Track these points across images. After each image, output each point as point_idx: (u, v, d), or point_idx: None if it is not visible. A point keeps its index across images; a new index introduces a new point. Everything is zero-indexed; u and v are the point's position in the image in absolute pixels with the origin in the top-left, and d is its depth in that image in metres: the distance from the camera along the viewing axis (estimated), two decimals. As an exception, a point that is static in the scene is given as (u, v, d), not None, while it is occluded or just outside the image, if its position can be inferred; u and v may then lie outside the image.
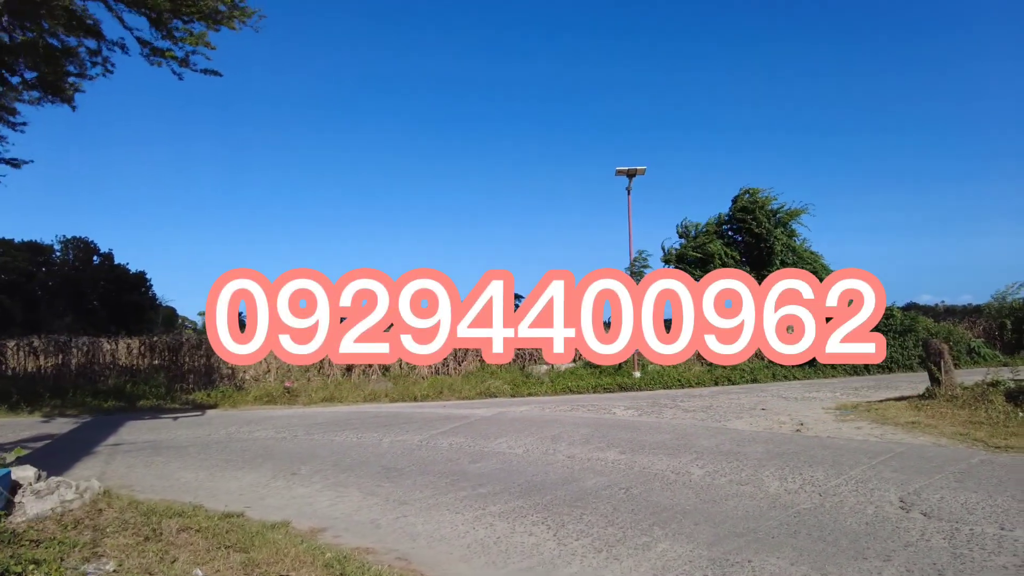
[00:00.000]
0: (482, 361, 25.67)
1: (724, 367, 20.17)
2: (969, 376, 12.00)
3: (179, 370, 19.51)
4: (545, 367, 21.79)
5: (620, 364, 20.16)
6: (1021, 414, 9.26)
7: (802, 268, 19.74)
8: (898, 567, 4.20)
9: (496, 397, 15.87)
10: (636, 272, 19.86)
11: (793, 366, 19.29)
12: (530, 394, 16.16)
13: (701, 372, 19.22)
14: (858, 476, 6.53)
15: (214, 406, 15.31)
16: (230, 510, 5.89)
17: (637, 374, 18.51)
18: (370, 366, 25.50)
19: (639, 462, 7.60)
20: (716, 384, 17.71)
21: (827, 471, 6.78)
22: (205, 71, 11.84)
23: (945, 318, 29.04)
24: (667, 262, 20.30)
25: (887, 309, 20.58)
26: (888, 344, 19.85)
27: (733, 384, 17.70)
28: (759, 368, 19.29)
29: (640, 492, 6.33)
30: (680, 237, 20.74)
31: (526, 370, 21.30)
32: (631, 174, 19.81)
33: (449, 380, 17.69)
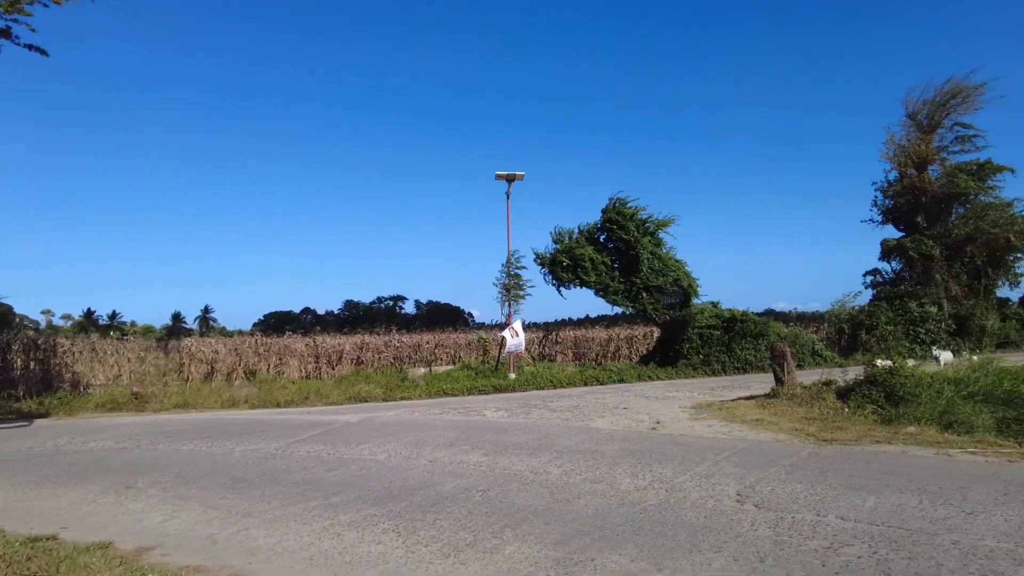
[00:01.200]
0: (358, 364, 25.04)
1: (595, 368, 20.88)
2: (811, 376, 13.12)
3: (7, 375, 17.37)
4: (423, 370, 21.55)
5: (496, 366, 20.35)
6: (847, 410, 10.22)
7: (667, 275, 20.85)
8: (727, 557, 4.42)
9: (367, 402, 15.41)
10: (512, 274, 20.11)
11: (656, 367, 20.34)
12: (403, 398, 15.85)
13: (573, 373, 19.77)
14: (703, 472, 6.88)
15: (46, 415, 13.76)
16: (39, 533, 5.24)
17: (513, 375, 18.72)
18: (234, 371, 24.13)
19: (500, 463, 7.61)
20: (586, 384, 18.26)
21: (675, 467, 7.10)
22: (29, 47, 10.61)
23: (797, 323, 31.80)
24: (541, 265, 20.74)
25: (743, 314, 22.17)
26: (744, 347, 21.41)
27: (602, 384, 18.32)
28: (626, 369, 20.14)
29: (497, 494, 6.31)
30: (555, 243, 21.25)
31: (403, 372, 20.96)
32: (510, 179, 20.06)
33: (317, 385, 17.02)
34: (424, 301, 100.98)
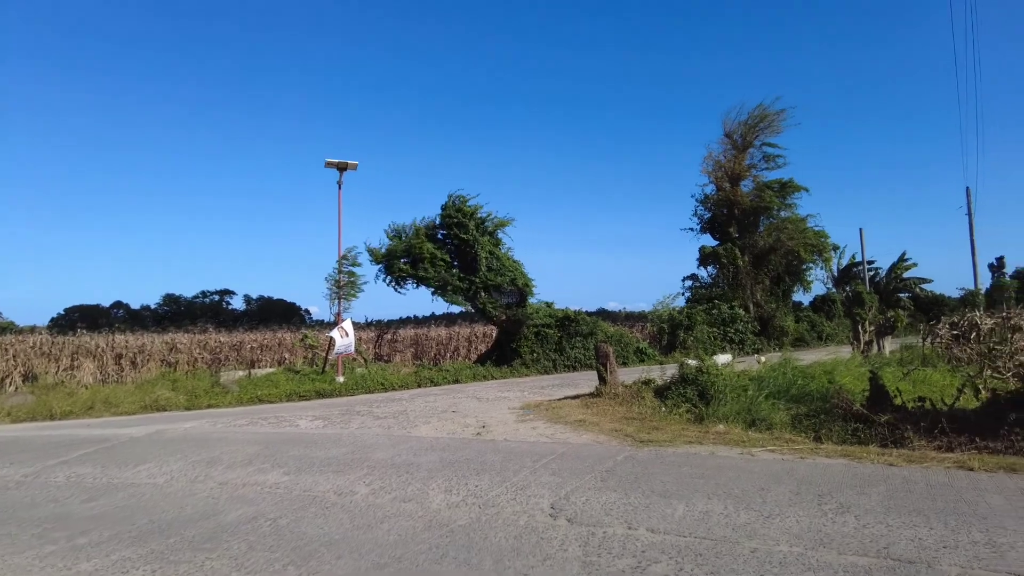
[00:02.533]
0: (169, 365, 22.45)
1: (430, 369, 20.35)
2: (634, 374, 13.50)
3: None
4: (240, 373, 19.72)
5: (324, 368, 19.10)
6: (664, 409, 10.53)
7: (505, 275, 20.82)
8: (531, 587, 4.03)
9: (166, 411, 13.57)
10: (344, 270, 18.99)
11: (492, 367, 20.22)
12: (210, 406, 14.15)
13: (407, 375, 19.08)
14: (520, 482, 6.54)
15: None
16: None
17: (341, 379, 17.63)
18: (8, 376, 20.81)
19: (302, 484, 6.77)
20: (420, 386, 17.65)
21: (492, 479, 6.70)
22: None
23: (626, 322, 33.43)
24: (375, 261, 19.83)
25: (575, 313, 22.77)
26: (575, 346, 21.95)
27: (436, 385, 17.82)
28: (463, 368, 19.82)
29: (288, 523, 5.50)
30: (390, 239, 20.42)
31: (217, 375, 19.05)
32: (342, 168, 18.91)
33: (108, 391, 14.81)
34: (255, 296, 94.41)
